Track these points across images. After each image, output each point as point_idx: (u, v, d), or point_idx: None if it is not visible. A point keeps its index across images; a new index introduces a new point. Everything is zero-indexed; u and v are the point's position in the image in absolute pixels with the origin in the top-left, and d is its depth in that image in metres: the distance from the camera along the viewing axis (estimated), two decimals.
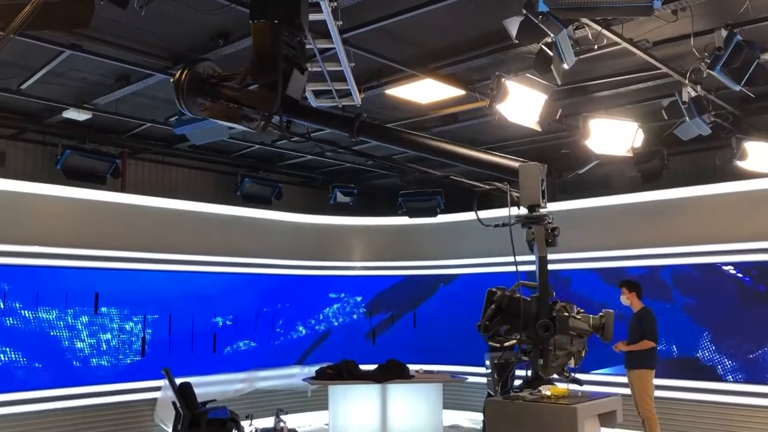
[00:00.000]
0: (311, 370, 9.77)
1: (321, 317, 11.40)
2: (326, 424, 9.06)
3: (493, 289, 4.53)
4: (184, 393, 7.84)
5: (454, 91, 7.27)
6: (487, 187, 4.71)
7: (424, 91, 7.35)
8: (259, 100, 3.77)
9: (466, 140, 9.29)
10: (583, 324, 4.59)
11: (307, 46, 4.82)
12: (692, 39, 5.62)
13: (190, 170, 10.52)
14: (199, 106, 4.03)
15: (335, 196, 11.37)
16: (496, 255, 10.34)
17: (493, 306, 4.41)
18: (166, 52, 6.35)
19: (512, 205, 4.52)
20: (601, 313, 4.61)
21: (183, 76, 3.93)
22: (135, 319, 9.16)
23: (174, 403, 7.89)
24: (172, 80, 3.93)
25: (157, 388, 9.05)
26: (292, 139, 4.44)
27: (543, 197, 4.26)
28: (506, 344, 4.55)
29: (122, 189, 9.34)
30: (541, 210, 4.40)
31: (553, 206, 10.71)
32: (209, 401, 8.09)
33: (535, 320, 4.18)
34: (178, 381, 8.01)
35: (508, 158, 4.82)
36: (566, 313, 4.35)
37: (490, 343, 4.58)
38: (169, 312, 9.52)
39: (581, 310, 4.68)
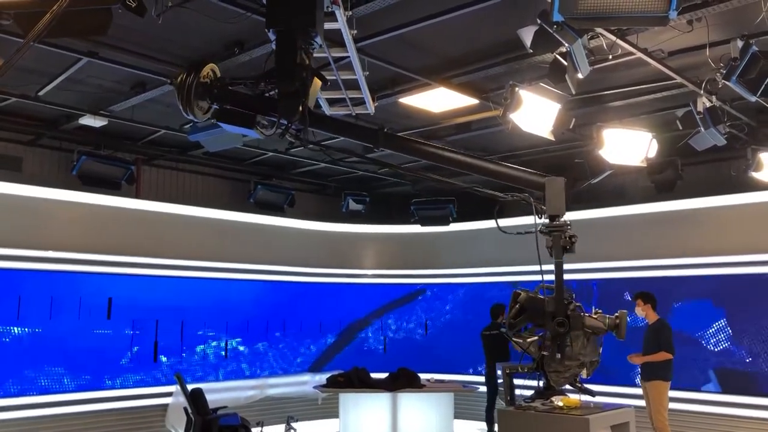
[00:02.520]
0: (322, 377, 9.77)
1: (332, 324, 11.39)
2: None
3: (518, 291, 4.94)
4: (196, 399, 7.85)
5: (467, 100, 7.27)
6: (510, 198, 5.17)
7: (437, 99, 7.36)
8: (280, 108, 3.78)
9: (479, 149, 9.31)
10: (598, 323, 4.95)
11: (322, 55, 4.85)
12: (708, 49, 5.60)
13: (204, 177, 10.58)
14: (201, 109, 4.02)
15: (347, 203, 11.39)
16: (506, 264, 10.35)
17: (517, 306, 4.82)
18: (181, 60, 6.39)
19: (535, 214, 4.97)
20: (616, 314, 4.97)
21: (188, 80, 3.92)
22: (147, 324, 9.20)
23: (185, 409, 7.90)
24: (172, 82, 3.92)
25: (169, 394, 9.08)
26: (308, 147, 4.46)
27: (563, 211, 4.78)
28: (528, 340, 4.93)
29: (137, 195, 9.40)
30: (561, 219, 4.78)
31: (566, 216, 10.72)
32: (220, 407, 8.09)
33: (552, 318, 4.57)
34: (190, 387, 8.02)
35: (529, 172, 5.19)
36: (580, 312, 4.79)
37: (513, 339, 5.03)
38: (182, 318, 9.55)
39: (599, 311, 5.08)
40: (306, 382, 10.35)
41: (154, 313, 9.27)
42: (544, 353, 4.83)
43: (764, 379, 8.38)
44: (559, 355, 4.68)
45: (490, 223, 11.60)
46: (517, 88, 5.81)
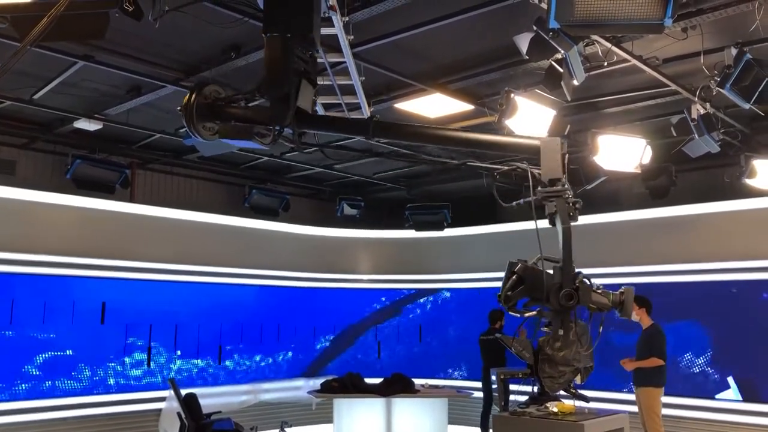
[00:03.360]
0: (316, 382, 9.75)
1: (327, 329, 11.38)
2: None
3: (515, 261, 4.55)
4: (189, 404, 7.81)
5: (463, 106, 7.29)
6: (506, 168, 4.73)
7: (433, 105, 7.37)
8: (270, 114, 3.79)
9: (474, 155, 9.32)
10: (603, 299, 4.59)
11: (319, 60, 4.86)
12: (702, 57, 5.64)
13: (199, 181, 10.57)
14: (209, 130, 4.04)
15: (342, 208, 11.40)
16: (501, 269, 10.32)
17: (514, 277, 4.41)
18: (178, 64, 6.41)
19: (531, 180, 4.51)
20: (621, 290, 4.56)
21: (191, 101, 3.94)
22: (141, 329, 9.17)
23: (179, 414, 7.87)
24: (179, 109, 3.95)
25: (162, 399, 9.05)
26: (305, 151, 4.46)
27: (564, 172, 4.27)
28: (527, 314, 4.55)
29: (131, 199, 9.38)
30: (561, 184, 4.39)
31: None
32: (214, 413, 8.06)
33: (558, 291, 4.19)
34: (183, 392, 7.99)
35: (522, 137, 4.85)
36: (588, 283, 4.39)
37: (510, 313, 4.57)
38: (175, 322, 9.52)
39: (601, 286, 4.73)
40: (300, 387, 10.32)
41: (148, 318, 9.23)
42: (545, 330, 4.47)
43: (761, 384, 8.41)
44: (561, 332, 4.28)
45: (484, 228, 11.72)
46: (512, 94, 5.84)
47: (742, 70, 5.44)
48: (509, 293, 4.42)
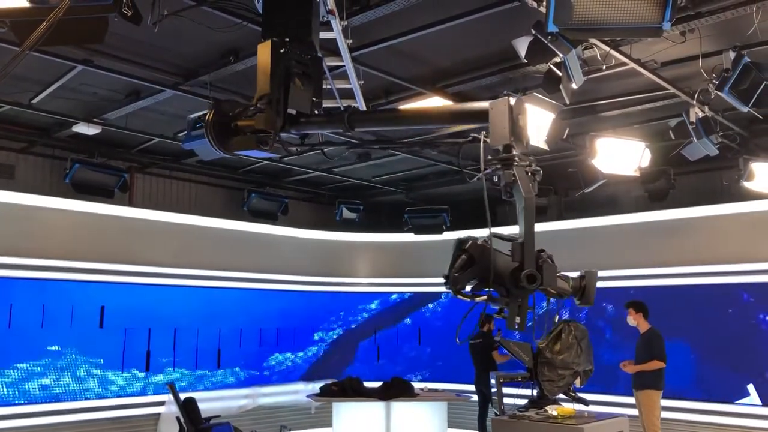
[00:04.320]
0: (315, 386, 9.74)
1: (326, 333, 11.37)
2: None
3: (464, 238, 3.89)
4: (188, 408, 7.81)
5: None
6: (463, 141, 4.24)
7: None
8: (263, 121, 3.78)
9: (472, 158, 9.33)
10: (563, 284, 4.07)
11: None
12: (700, 60, 5.65)
13: (198, 185, 10.57)
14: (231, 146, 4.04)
15: (341, 212, 11.40)
16: None
17: (464, 256, 3.82)
18: (177, 69, 6.41)
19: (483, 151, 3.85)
20: (582, 273, 4.14)
21: (209, 119, 3.94)
22: (140, 333, 9.15)
23: (178, 419, 7.87)
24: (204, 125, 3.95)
25: (161, 403, 9.03)
26: (300, 153, 4.41)
27: (522, 136, 3.66)
28: (477, 300, 3.85)
29: (130, 203, 9.37)
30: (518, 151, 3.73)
31: (559, 225, 10.78)
32: (213, 417, 8.06)
33: (518, 271, 3.61)
34: (182, 396, 7.99)
35: (474, 102, 4.18)
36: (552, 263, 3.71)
37: (458, 296, 3.87)
38: (174, 326, 9.51)
39: (559, 272, 4.01)
40: (299, 391, 10.31)
41: (147, 322, 9.22)
42: (502, 318, 3.76)
43: (759, 388, 8.41)
44: (518, 319, 3.65)
45: (484, 232, 11.68)
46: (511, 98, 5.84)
47: (741, 73, 5.44)
48: (457, 275, 3.82)
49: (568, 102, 5.53)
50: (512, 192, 3.60)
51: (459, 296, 3.82)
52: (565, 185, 9.50)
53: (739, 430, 8.45)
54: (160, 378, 9.20)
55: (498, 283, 3.72)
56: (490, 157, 3.61)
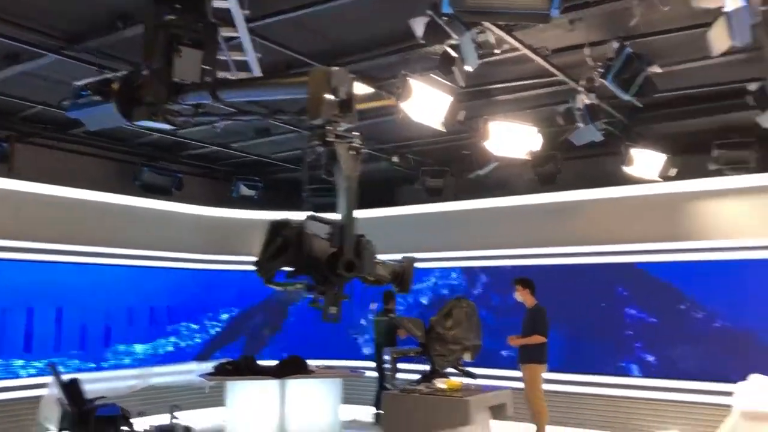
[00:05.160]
0: (209, 366, 9.56)
1: (222, 312, 11.18)
2: (224, 421, 8.88)
3: (279, 221, 3.72)
4: (72, 390, 7.47)
5: (361, 88, 7.28)
6: (292, 112, 4.09)
7: None
8: (147, 90, 3.66)
9: (371, 139, 9.39)
10: (382, 271, 3.99)
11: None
12: (587, 48, 5.90)
13: (87, 157, 10.02)
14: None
15: (238, 188, 11.18)
16: (395, 251, 10.57)
17: (278, 240, 3.63)
18: (60, 32, 6.04)
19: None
20: (401, 259, 4.04)
21: (117, 88, 3.76)
22: (19, 312, 8.67)
23: (60, 401, 7.52)
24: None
25: (42, 385, 8.60)
26: (182, 126, 4.28)
27: (349, 109, 3.34)
28: (290, 289, 3.79)
29: (10, 174, 8.81)
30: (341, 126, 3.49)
31: (454, 205, 11.05)
32: (98, 398, 7.76)
33: (336, 258, 3.38)
34: (66, 377, 7.64)
35: (295, 74, 4.12)
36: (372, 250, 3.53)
37: (268, 285, 3.83)
38: (59, 305, 9.07)
39: (380, 260, 3.94)
40: (192, 371, 10.10)
41: (28, 300, 8.74)
42: (316, 308, 3.59)
43: (629, 360, 9.01)
44: (334, 309, 3.48)
45: (382, 212, 11.82)
46: (408, 78, 5.91)
47: (623, 63, 5.74)
48: (269, 261, 3.66)
49: (462, 84, 5.65)
50: (332, 170, 3.39)
51: (271, 285, 3.71)
52: (460, 167, 9.72)
53: (617, 400, 9.02)
54: (41, 359, 8.76)
55: (315, 270, 3.47)
56: (310, 133, 3.41)
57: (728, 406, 7.07)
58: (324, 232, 3.53)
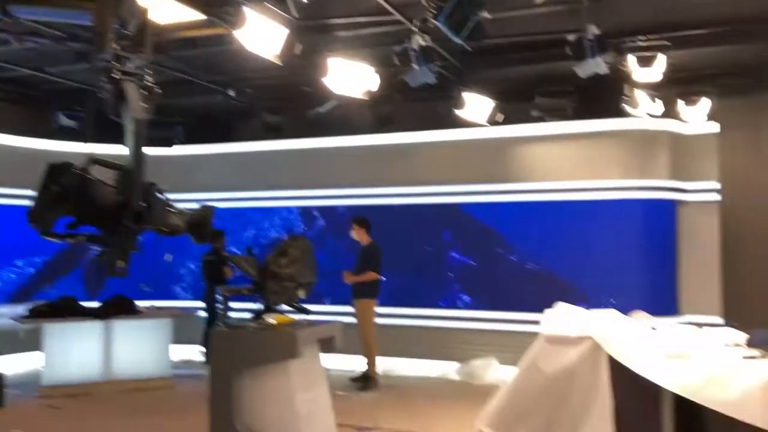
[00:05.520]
0: (24, 308, 8.88)
1: (40, 251, 10.36)
2: (42, 367, 8.34)
3: (57, 164, 3.21)
4: None
5: (194, 14, 6.87)
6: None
7: (162, 11, 6.83)
8: None
9: (205, 68, 8.96)
10: (176, 220, 3.69)
11: None
12: None
13: None
14: None
15: (59, 119, 10.27)
16: (231, 190, 10.41)
17: (55, 188, 3.22)
18: None
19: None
20: (200, 207, 3.72)
21: None
22: None
23: None
24: None
25: None
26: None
27: (141, 43, 3.00)
28: (71, 241, 3.22)
29: None
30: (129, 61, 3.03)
31: (293, 143, 10.97)
32: None
33: (123, 209, 3.07)
34: None
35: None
36: (163, 198, 3.18)
37: (46, 238, 3.28)
38: None
39: (173, 207, 3.61)
40: (3, 315, 9.34)
41: None
42: (102, 262, 3.18)
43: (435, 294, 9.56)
44: (122, 263, 3.14)
45: (220, 147, 11.41)
46: (242, 5, 5.65)
47: (456, 5, 5.83)
48: (45, 212, 3.17)
49: (296, 15, 5.50)
50: (117, 111, 3.01)
51: (48, 237, 3.16)
52: (301, 104, 9.59)
53: (442, 332, 9.55)
54: None
55: (100, 221, 3.11)
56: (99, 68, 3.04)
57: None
58: (110, 177, 3.14)
